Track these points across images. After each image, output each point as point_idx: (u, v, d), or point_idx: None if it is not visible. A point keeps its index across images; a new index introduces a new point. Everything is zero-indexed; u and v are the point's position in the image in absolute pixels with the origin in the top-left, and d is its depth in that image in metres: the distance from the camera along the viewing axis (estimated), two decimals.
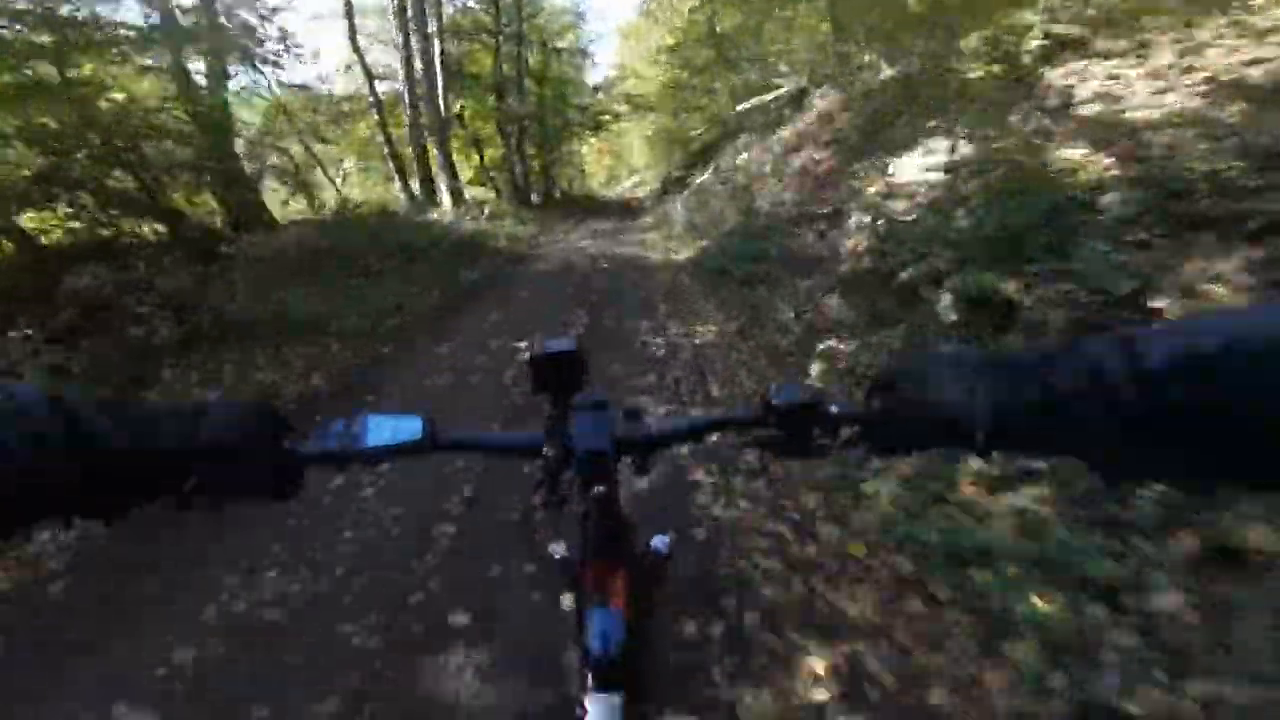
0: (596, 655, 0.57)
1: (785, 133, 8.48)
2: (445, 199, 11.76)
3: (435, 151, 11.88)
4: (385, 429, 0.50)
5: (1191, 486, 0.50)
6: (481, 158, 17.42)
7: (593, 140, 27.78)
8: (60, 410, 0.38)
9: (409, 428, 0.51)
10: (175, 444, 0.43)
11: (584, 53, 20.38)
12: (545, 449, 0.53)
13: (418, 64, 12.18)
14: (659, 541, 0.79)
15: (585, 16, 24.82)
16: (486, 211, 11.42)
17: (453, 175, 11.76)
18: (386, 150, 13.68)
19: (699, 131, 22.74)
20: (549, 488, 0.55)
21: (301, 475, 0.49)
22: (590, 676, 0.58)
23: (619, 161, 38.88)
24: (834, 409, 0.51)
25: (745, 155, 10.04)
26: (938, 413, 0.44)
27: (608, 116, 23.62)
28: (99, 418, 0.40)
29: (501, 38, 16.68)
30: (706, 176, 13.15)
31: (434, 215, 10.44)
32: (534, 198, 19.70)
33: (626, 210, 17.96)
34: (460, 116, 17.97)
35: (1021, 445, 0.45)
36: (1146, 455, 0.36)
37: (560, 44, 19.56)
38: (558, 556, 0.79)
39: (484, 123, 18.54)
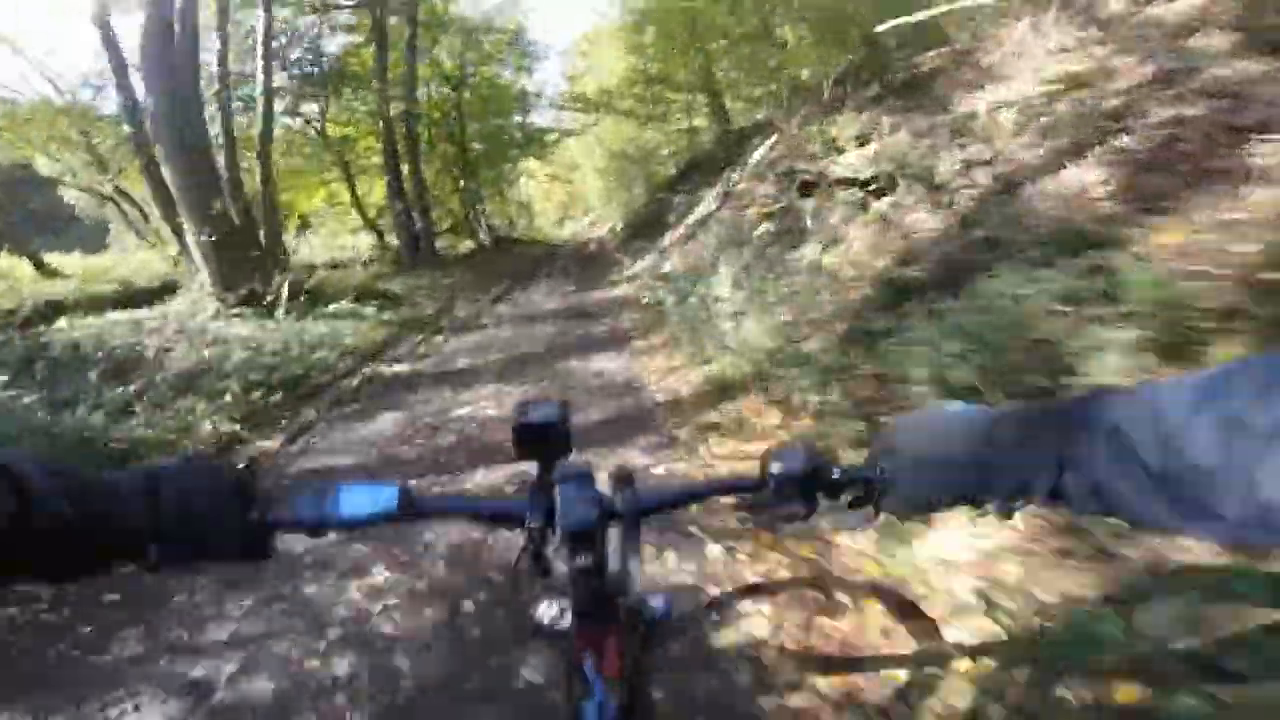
0: None
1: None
2: (203, 270, 5.63)
3: (171, 187, 5.75)
4: (361, 498, 0.49)
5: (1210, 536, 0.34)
6: (354, 193, 11.33)
7: (534, 166, 22.11)
8: (6, 477, 0.34)
9: (385, 497, 0.49)
10: (135, 512, 0.40)
11: (518, 38, 14.73)
12: (528, 520, 0.51)
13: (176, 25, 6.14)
14: (657, 601, 0.74)
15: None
16: (285, 294, 5.33)
17: (203, 226, 5.57)
18: (148, 187, 7.61)
19: (670, 152, 17.43)
20: (533, 556, 0.51)
21: (271, 539, 0.47)
22: None
23: (571, 198, 33.54)
24: (836, 472, 0.49)
25: (867, 149, 4.34)
26: (950, 470, 0.43)
27: (555, 134, 18.06)
28: (50, 485, 0.36)
29: (382, 10, 10.89)
30: (715, 205, 7.65)
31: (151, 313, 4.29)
32: (465, 243, 13.71)
33: (584, 260, 11.96)
34: (321, 130, 11.94)
35: (1044, 501, 0.41)
36: (1164, 509, 0.34)
37: (480, 27, 13.84)
38: (545, 622, 0.71)
39: (373, 143, 12.57)
